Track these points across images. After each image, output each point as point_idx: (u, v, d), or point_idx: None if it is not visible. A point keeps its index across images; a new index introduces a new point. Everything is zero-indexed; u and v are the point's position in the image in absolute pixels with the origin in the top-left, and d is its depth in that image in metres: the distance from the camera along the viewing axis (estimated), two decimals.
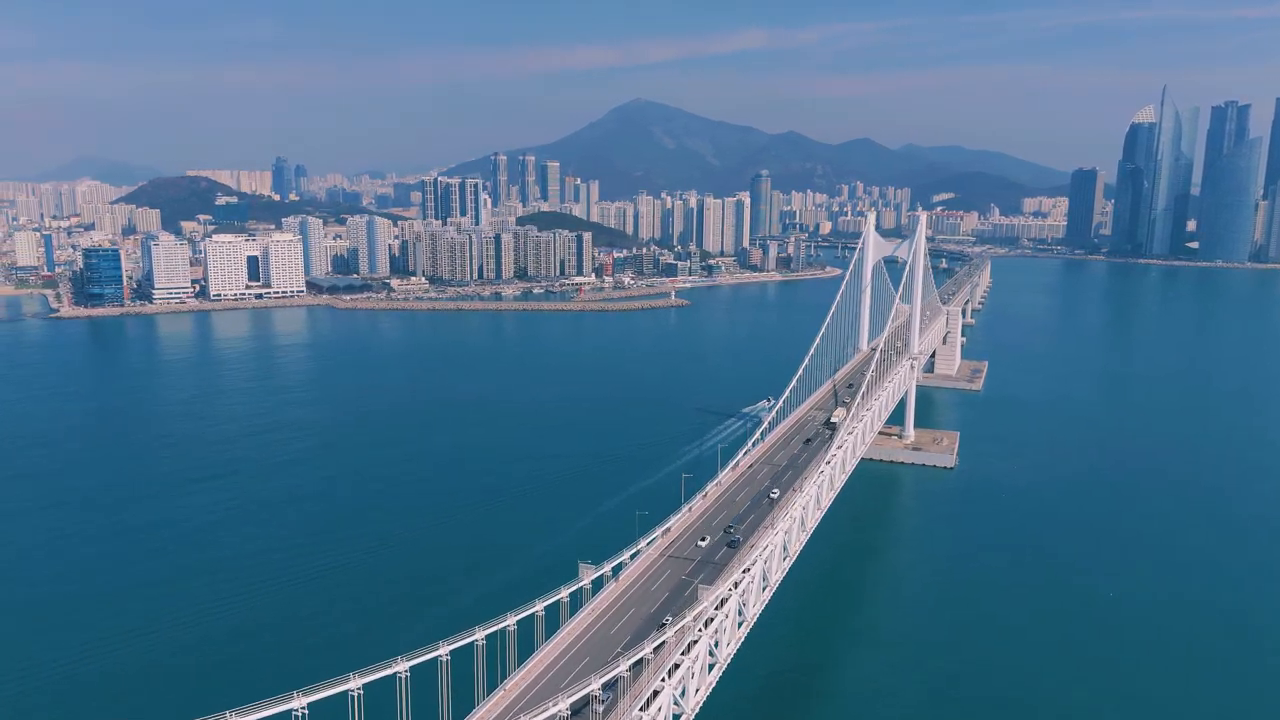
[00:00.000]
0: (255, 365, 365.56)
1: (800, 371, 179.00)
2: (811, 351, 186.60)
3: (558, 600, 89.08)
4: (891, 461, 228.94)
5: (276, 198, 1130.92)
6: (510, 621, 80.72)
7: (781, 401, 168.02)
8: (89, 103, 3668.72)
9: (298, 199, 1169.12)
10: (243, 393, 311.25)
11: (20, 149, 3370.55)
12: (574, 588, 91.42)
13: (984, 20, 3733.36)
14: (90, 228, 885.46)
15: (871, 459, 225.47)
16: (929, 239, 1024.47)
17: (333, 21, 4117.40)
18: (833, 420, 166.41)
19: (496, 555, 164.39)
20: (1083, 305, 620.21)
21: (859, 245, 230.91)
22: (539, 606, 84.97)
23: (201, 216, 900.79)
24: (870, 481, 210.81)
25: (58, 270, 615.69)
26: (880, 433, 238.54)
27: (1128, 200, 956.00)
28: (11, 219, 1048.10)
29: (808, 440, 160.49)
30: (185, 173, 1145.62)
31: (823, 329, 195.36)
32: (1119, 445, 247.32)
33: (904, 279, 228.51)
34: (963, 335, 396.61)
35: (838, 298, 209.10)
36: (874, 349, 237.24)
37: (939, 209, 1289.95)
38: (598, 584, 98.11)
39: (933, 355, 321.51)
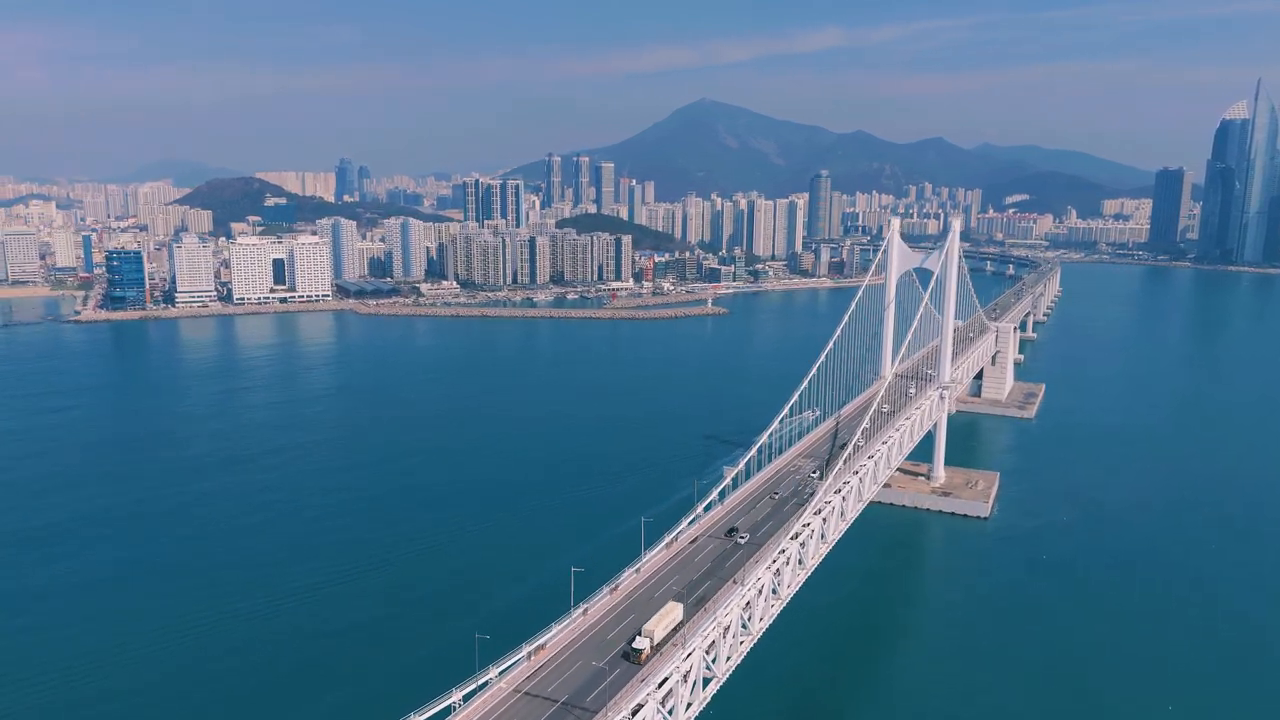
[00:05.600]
0: (231, 376, 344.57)
1: (785, 410, 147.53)
2: (803, 386, 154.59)
3: None
4: (915, 508, 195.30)
5: (330, 199, 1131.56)
6: None
7: (755, 450, 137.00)
8: (178, 106, 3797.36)
9: (352, 200, 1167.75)
10: (193, 407, 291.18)
11: (111, 150, 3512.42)
12: None
13: (1068, 16, 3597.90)
14: (144, 229, 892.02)
15: (889, 503, 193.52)
16: (997, 244, 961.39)
17: (410, 26, 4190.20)
18: (636, 645, 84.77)
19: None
20: (1163, 318, 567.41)
21: (878, 255, 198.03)
22: None
23: (251, 218, 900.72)
24: (881, 534, 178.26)
25: (95, 272, 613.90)
26: (904, 471, 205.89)
27: (1217, 202, 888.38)
28: (79, 219, 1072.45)
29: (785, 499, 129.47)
30: (254, 174, 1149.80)
31: (822, 356, 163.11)
32: (1199, 493, 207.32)
33: (928, 291, 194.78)
34: (1020, 352, 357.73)
35: (846, 317, 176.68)
36: (898, 375, 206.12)
37: (1011, 211, 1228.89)
38: None
39: (979, 375, 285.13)
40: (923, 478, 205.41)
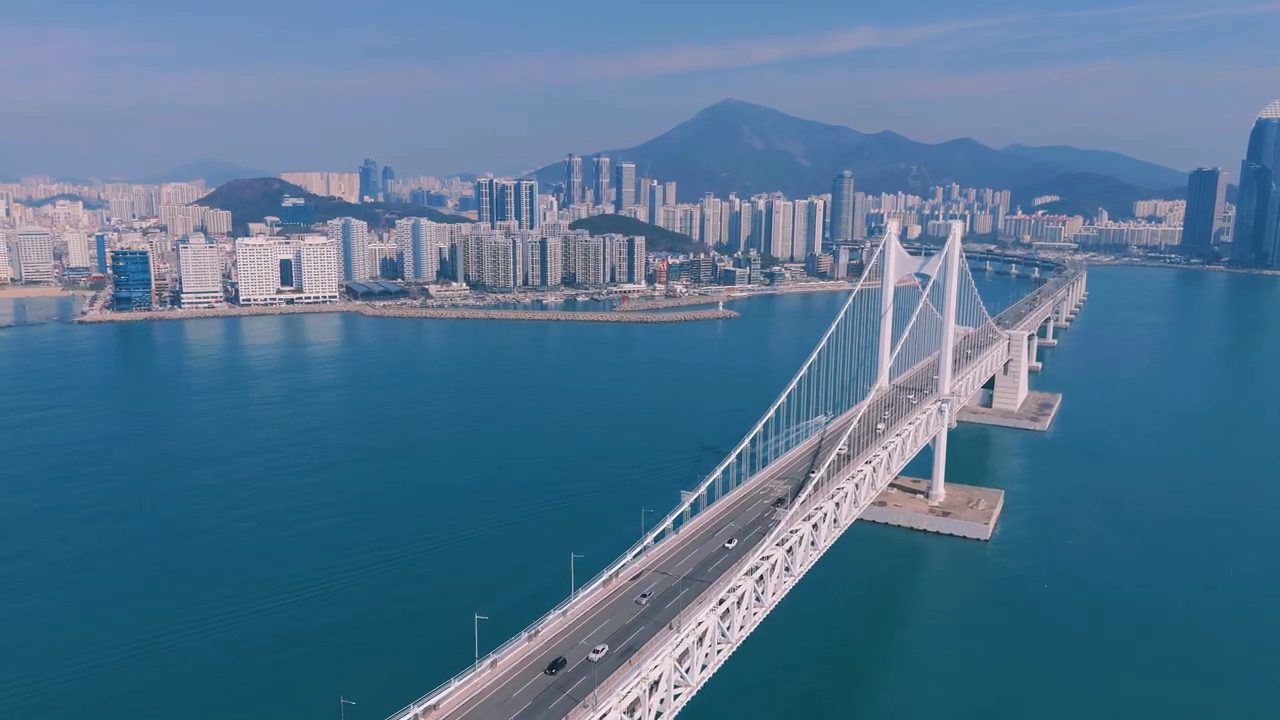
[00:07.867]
0: (224, 376, 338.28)
1: (759, 426, 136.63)
2: (780, 400, 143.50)
3: None
4: (910, 528, 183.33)
5: (353, 200, 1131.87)
6: None
7: (722, 469, 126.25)
8: (211, 108, 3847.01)
9: (372, 200, 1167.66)
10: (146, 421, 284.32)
11: (146, 152, 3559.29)
12: None
13: (1101, 15, 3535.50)
14: (164, 229, 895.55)
15: (883, 522, 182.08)
16: (1024, 245, 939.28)
17: (440, 28, 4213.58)
18: None
19: None
20: (1193, 323, 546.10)
21: (872, 261, 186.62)
22: None
23: (270, 218, 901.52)
24: (871, 556, 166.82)
25: (108, 272, 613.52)
26: (901, 488, 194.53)
27: (1252, 204, 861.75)
28: (105, 219, 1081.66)
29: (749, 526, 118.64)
30: (284, 175, 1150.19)
31: (804, 368, 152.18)
32: (1215, 511, 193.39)
33: (925, 295, 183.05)
34: (1038, 360, 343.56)
35: (832, 327, 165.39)
36: (895, 387, 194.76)
37: (1040, 213, 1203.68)
38: None
39: (990, 384, 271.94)
40: (921, 495, 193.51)
